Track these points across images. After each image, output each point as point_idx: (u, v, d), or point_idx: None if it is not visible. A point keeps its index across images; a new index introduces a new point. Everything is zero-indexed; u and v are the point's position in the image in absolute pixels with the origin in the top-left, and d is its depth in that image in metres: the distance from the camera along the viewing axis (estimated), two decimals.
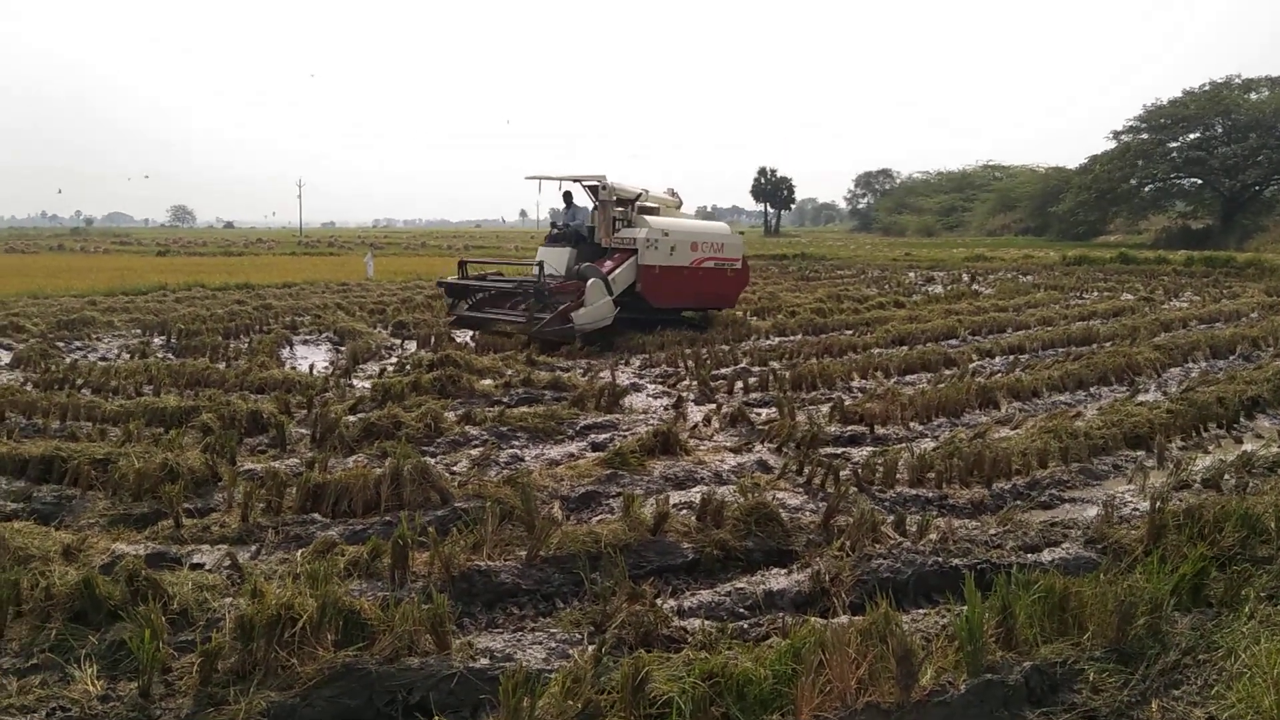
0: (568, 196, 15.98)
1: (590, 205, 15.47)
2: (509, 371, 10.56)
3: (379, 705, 3.42)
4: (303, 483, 5.65)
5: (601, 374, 10.79)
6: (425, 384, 9.32)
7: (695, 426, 8.11)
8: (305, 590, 3.76)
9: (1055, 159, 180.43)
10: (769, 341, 14.07)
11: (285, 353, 12.93)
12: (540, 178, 15.75)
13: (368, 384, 9.83)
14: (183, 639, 3.80)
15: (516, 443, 7.55)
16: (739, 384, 10.07)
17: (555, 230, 15.92)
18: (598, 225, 15.05)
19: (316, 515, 5.47)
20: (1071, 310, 17.80)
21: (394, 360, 12.05)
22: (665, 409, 9.02)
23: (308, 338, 14.58)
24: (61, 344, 12.98)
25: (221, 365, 10.87)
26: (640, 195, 15.15)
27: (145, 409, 8.02)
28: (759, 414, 8.65)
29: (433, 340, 13.59)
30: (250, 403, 8.27)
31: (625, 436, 7.58)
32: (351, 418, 7.80)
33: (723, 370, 11.19)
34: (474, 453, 7.08)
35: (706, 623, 4.04)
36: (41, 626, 3.87)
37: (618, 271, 13.85)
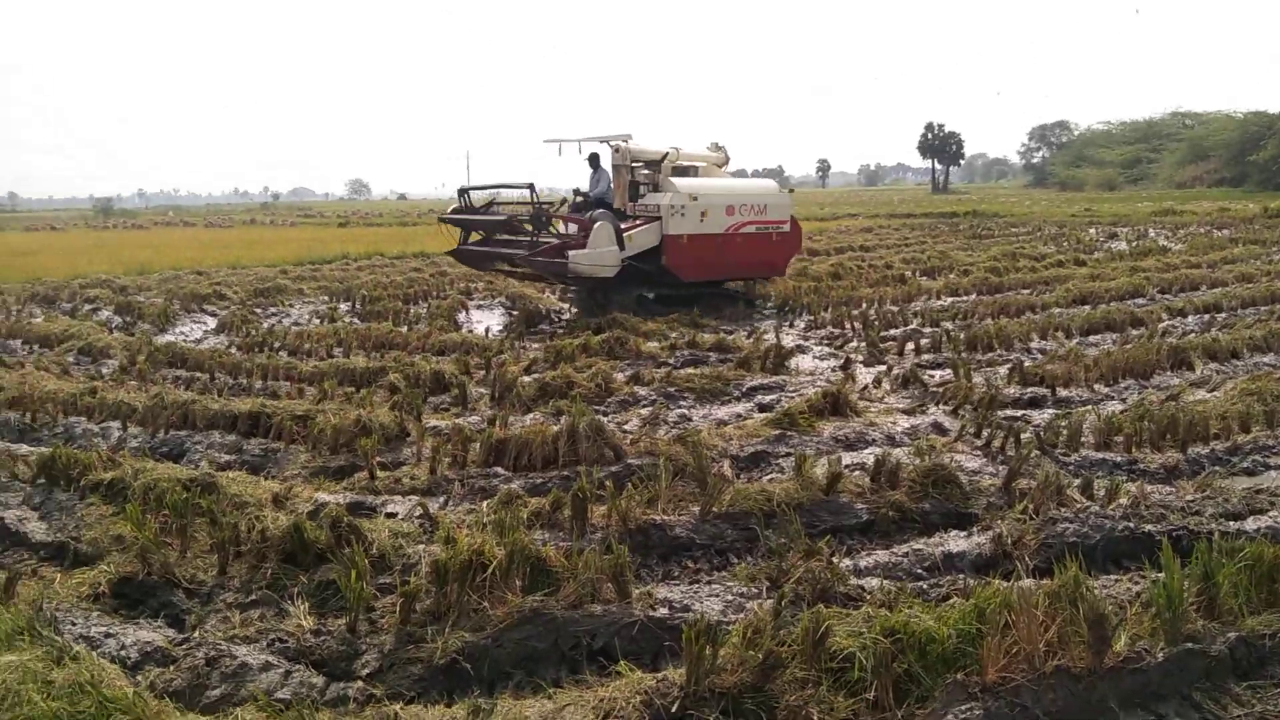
0: (593, 160, 14.27)
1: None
2: (673, 334, 10.69)
3: (564, 649, 3.56)
4: (485, 438, 5.91)
5: (766, 336, 10.74)
6: (594, 346, 9.55)
7: (865, 388, 7.98)
8: (493, 538, 3.95)
9: (1254, 103, 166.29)
10: (940, 302, 13.63)
11: (461, 317, 13.46)
12: (559, 140, 14.49)
13: (539, 346, 10.14)
14: (382, 581, 4.07)
15: (684, 403, 7.63)
16: (909, 345, 9.83)
17: (579, 199, 14.46)
18: (616, 190, 13.93)
19: (499, 469, 5.71)
20: (1275, 266, 16.43)
21: (563, 323, 12.37)
22: (832, 370, 8.91)
23: (481, 303, 15.13)
24: (259, 310, 13.97)
25: (403, 329, 11.42)
26: (666, 156, 13.56)
27: (337, 370, 8.57)
28: (932, 376, 8.43)
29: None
30: (432, 364, 8.69)
31: (793, 397, 7.53)
32: (526, 378, 8.09)
33: (892, 331, 10.97)
34: (643, 412, 7.20)
35: (884, 582, 4.01)
36: (258, 566, 4.24)
37: (636, 230, 12.70)
